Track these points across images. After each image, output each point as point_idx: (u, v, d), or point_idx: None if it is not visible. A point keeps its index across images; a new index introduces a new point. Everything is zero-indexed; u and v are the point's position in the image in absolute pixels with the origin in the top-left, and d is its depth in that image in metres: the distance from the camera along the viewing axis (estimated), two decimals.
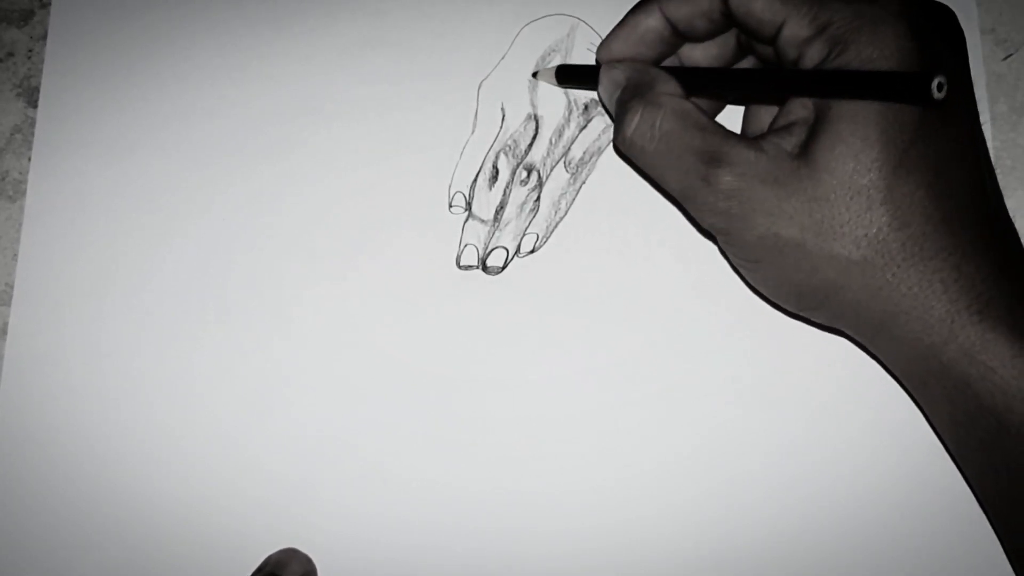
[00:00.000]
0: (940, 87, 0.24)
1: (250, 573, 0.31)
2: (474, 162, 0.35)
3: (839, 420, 0.32)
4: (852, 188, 0.26)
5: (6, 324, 0.34)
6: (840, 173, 0.26)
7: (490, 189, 0.35)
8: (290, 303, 0.34)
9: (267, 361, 0.34)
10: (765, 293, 0.31)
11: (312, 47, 0.36)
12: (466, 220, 0.34)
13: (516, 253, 0.34)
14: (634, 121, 0.29)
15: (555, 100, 0.35)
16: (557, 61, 0.35)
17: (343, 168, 0.35)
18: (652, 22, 0.31)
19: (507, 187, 0.35)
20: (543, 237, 0.34)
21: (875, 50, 0.26)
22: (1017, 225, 0.34)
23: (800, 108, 0.28)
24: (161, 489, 0.33)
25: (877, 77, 0.26)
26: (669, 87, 0.29)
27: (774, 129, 0.29)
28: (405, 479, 0.33)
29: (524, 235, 0.34)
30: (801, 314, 0.30)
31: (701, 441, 0.32)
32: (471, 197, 0.35)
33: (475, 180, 0.35)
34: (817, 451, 0.32)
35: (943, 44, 0.28)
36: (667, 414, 0.33)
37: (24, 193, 0.35)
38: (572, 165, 0.35)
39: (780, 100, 0.30)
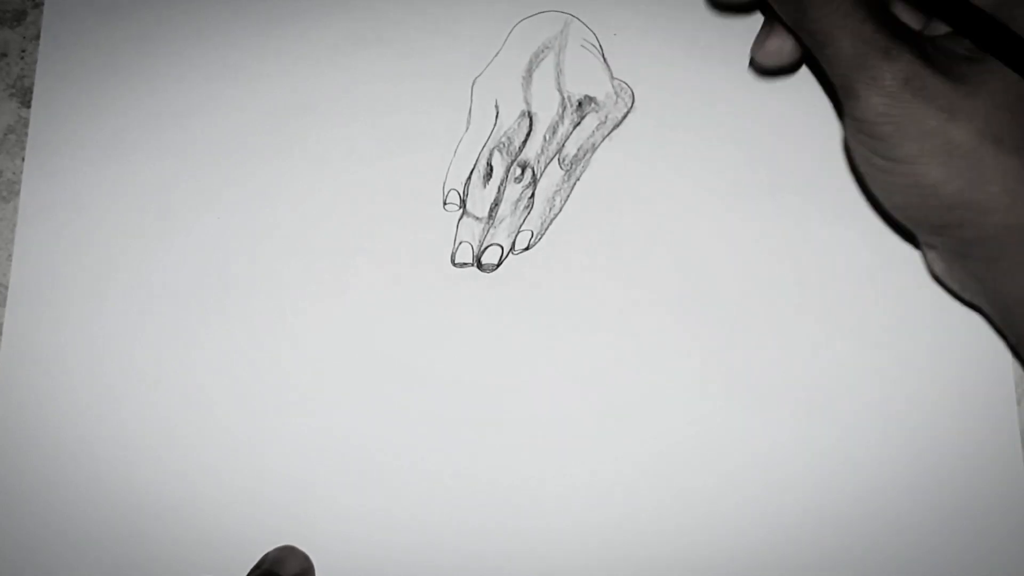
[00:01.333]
0: None
1: (247, 570, 0.31)
2: (468, 159, 0.35)
3: (836, 419, 0.32)
4: None
5: (0, 325, 0.34)
6: (1020, 88, 0.25)
7: (484, 186, 0.35)
8: (285, 302, 0.34)
9: (262, 360, 0.34)
10: (899, 201, 0.28)
11: (305, 45, 0.36)
12: (461, 217, 0.35)
13: (511, 250, 0.34)
14: None
15: (549, 97, 0.35)
16: (551, 58, 0.35)
17: (336, 166, 0.35)
18: None
19: (501, 184, 0.35)
20: (538, 234, 0.34)
21: None
22: None
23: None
24: (158, 488, 0.33)
25: None
26: None
27: (937, 38, 0.27)
28: (402, 476, 0.33)
29: (519, 232, 0.34)
30: (932, 232, 0.28)
31: (699, 438, 0.33)
32: (465, 194, 0.35)
33: (469, 177, 0.35)
34: (815, 450, 0.32)
35: None
36: (663, 410, 0.33)
37: (18, 193, 0.35)
38: (566, 162, 0.35)
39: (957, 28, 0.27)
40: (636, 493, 0.32)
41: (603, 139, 0.35)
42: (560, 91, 0.35)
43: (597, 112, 0.35)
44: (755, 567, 0.32)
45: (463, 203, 0.35)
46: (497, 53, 0.35)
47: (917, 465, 0.32)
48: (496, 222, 0.34)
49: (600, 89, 0.35)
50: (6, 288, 0.35)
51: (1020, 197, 0.25)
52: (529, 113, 0.35)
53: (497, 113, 0.35)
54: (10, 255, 0.35)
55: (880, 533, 0.32)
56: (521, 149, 0.35)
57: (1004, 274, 0.27)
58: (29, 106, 0.36)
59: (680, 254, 0.34)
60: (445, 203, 0.35)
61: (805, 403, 0.33)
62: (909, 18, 0.30)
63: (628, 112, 0.35)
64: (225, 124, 0.35)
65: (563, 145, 0.35)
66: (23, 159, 0.36)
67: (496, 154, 0.35)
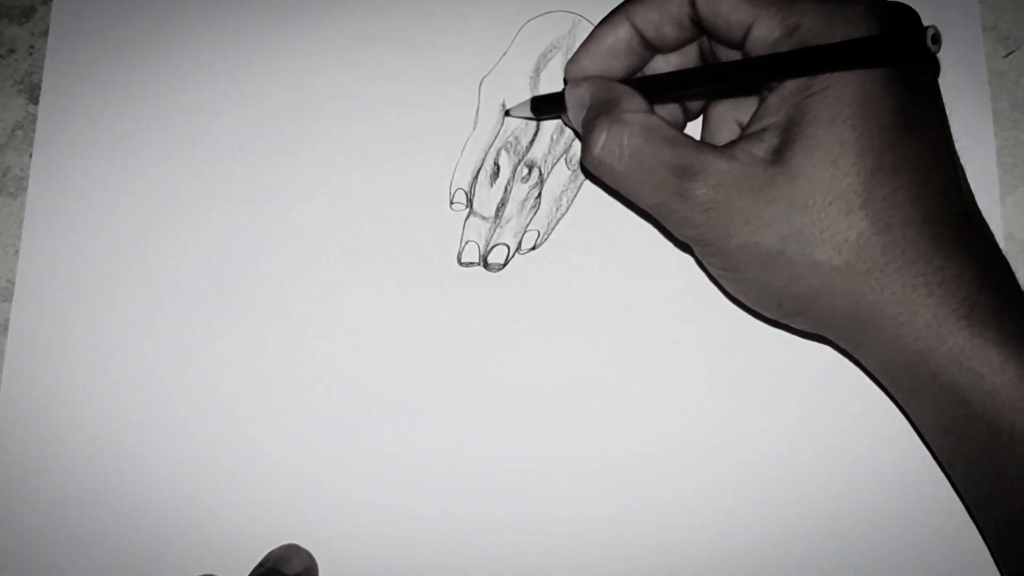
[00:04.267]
0: (935, 39, 0.23)
1: (251, 569, 0.31)
2: (475, 159, 0.35)
3: (838, 419, 0.32)
4: (831, 193, 0.26)
5: (7, 321, 0.34)
6: (818, 179, 0.26)
7: (491, 186, 0.35)
8: (292, 300, 0.34)
9: (269, 357, 0.34)
10: (745, 302, 0.30)
11: (313, 44, 0.36)
12: (467, 217, 0.35)
13: (517, 250, 0.34)
14: (601, 139, 0.28)
15: None
16: (559, 58, 0.35)
17: (344, 165, 0.35)
18: (621, 33, 0.30)
19: (508, 184, 0.35)
20: (544, 234, 0.34)
21: None
22: (1017, 226, 0.34)
23: (772, 113, 0.27)
24: (163, 485, 0.33)
25: (869, 43, 0.25)
26: (634, 103, 0.29)
27: (745, 135, 0.28)
28: (406, 475, 0.33)
29: (525, 232, 0.34)
30: (783, 321, 0.30)
31: (704, 436, 0.32)
32: (472, 194, 0.35)
33: (476, 177, 0.35)
34: (817, 449, 0.32)
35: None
36: (668, 409, 0.33)
37: (25, 189, 0.35)
38: (573, 162, 0.35)
39: (758, 89, 0.30)
40: (641, 491, 0.32)
41: None
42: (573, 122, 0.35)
43: None
44: (758, 566, 0.32)
45: (470, 203, 0.35)
46: (505, 53, 0.35)
47: (918, 465, 0.32)
48: (503, 222, 0.34)
49: None
50: (13, 284, 0.35)
51: (832, 283, 0.27)
52: None
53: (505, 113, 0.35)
54: (17, 251, 0.35)
55: (881, 533, 0.32)
56: (528, 149, 0.35)
57: (857, 352, 0.29)
58: (37, 102, 0.36)
59: (686, 254, 0.34)
60: (452, 202, 0.35)
61: (808, 403, 0.33)
62: (723, 126, 0.31)
63: None
64: (233, 122, 0.35)
65: (570, 145, 0.35)
66: (31, 155, 0.36)
67: (503, 154, 0.35)
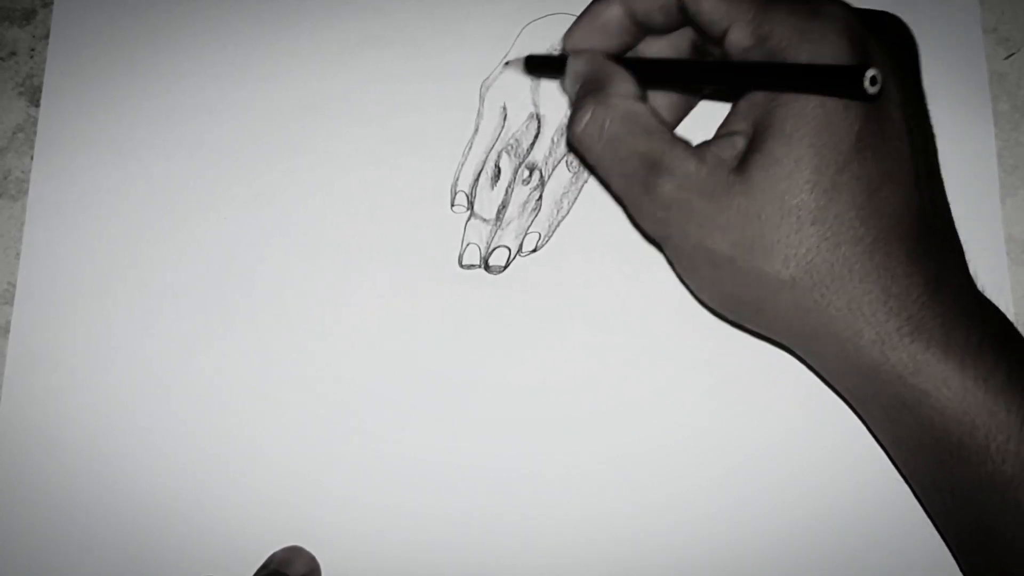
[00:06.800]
0: (873, 81, 0.24)
1: (254, 571, 0.31)
2: (476, 161, 0.35)
3: (838, 419, 0.32)
4: (783, 208, 0.26)
5: (8, 323, 0.34)
6: (772, 193, 0.26)
7: (492, 188, 0.35)
8: (293, 301, 0.34)
9: (270, 360, 0.34)
10: (703, 300, 0.31)
11: (314, 46, 0.36)
12: (468, 219, 0.35)
13: (518, 252, 0.34)
14: (584, 119, 0.29)
15: (557, 99, 0.35)
16: None
17: (345, 167, 0.35)
18: (613, 12, 0.30)
19: (509, 186, 0.35)
20: (545, 236, 0.34)
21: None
22: (1018, 228, 0.34)
23: (741, 118, 0.28)
24: (165, 487, 0.33)
25: (811, 70, 0.26)
26: (623, 88, 0.29)
27: (717, 136, 0.29)
28: (408, 477, 0.33)
29: (526, 234, 0.34)
30: (740, 323, 0.30)
31: (704, 437, 0.33)
32: (473, 196, 0.35)
33: (477, 179, 0.35)
34: (818, 449, 0.32)
35: (889, 58, 0.27)
36: (668, 410, 0.33)
37: (26, 192, 0.35)
38: (574, 164, 0.35)
39: (732, 95, 0.30)
40: (641, 492, 0.32)
41: None
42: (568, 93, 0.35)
43: None
44: (758, 566, 0.32)
45: (471, 205, 0.35)
46: (506, 55, 0.35)
47: None
48: (504, 224, 0.34)
49: None
50: (14, 287, 0.35)
51: (778, 295, 0.27)
52: (537, 115, 0.35)
53: (505, 115, 0.35)
54: (18, 253, 0.35)
55: (880, 533, 0.32)
56: (529, 151, 0.35)
57: (808, 359, 0.29)
58: (38, 105, 0.36)
59: None
60: (453, 205, 0.35)
61: (807, 404, 0.33)
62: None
63: None
64: (233, 124, 0.35)
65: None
66: (32, 158, 0.36)
67: (504, 156, 0.35)
